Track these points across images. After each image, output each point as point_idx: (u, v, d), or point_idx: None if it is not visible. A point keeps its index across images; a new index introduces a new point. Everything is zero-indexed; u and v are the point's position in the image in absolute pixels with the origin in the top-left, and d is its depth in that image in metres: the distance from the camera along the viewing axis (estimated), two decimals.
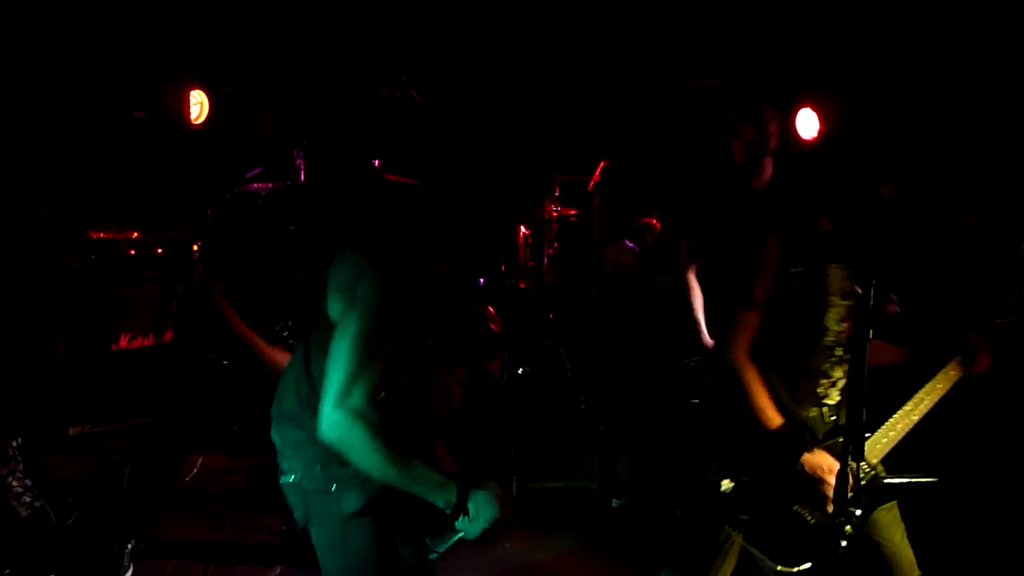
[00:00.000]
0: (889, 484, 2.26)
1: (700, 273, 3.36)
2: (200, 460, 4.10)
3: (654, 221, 6.01)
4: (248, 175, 3.29)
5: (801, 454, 2.21)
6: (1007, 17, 4.47)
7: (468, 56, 5.78)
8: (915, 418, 2.29)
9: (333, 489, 1.94)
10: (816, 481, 2.19)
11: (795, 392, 2.33)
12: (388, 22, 5.39)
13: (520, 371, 5.23)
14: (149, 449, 3.24)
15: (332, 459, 1.91)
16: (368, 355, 1.82)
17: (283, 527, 3.34)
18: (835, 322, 2.29)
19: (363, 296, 1.85)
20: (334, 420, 1.80)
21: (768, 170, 3.38)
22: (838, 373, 2.33)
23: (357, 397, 1.81)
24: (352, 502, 1.95)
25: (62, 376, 4.26)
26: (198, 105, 4.73)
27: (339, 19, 5.42)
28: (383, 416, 1.83)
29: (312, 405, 1.89)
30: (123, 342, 4.50)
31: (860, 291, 2.25)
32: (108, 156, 5.05)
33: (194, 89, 4.72)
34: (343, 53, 5.60)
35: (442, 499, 1.85)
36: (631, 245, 5.90)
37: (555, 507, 4.00)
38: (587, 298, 6.07)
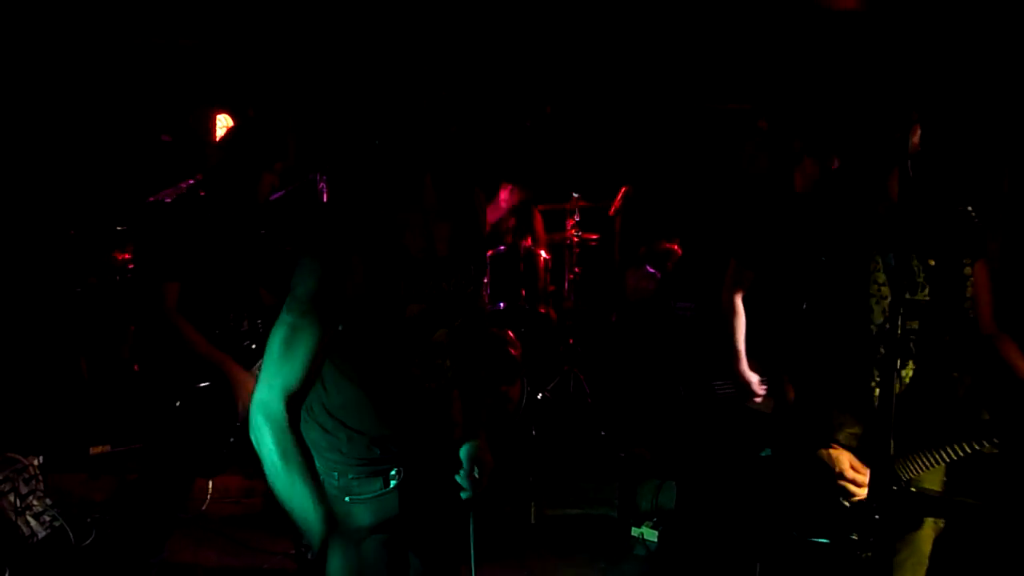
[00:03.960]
0: (921, 498, 2.17)
1: (747, 299, 3.24)
2: (210, 484, 4.08)
3: (675, 247, 5.98)
4: (272, 198, 3.28)
5: (821, 447, 2.19)
6: None
7: (491, 80, 5.82)
8: (960, 454, 2.15)
9: (347, 500, 1.87)
10: (832, 475, 2.17)
11: (838, 385, 2.25)
12: (411, 46, 5.45)
13: (539, 396, 5.20)
14: (146, 474, 3.19)
15: (348, 469, 1.87)
16: (286, 349, 1.69)
17: (302, 549, 3.31)
18: (881, 315, 2.19)
19: (293, 285, 1.72)
20: (250, 420, 1.70)
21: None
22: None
23: (266, 392, 1.68)
24: (364, 516, 1.88)
25: (84, 395, 4.29)
26: (224, 129, 4.81)
27: (363, 45, 5.48)
28: (296, 418, 1.72)
29: (311, 409, 1.88)
30: None
31: (927, 286, 2.18)
32: (135, 178, 5.13)
33: (220, 113, 4.80)
34: (366, 78, 5.66)
35: (310, 534, 1.69)
36: (652, 270, 5.87)
37: (574, 534, 3.95)
38: (607, 323, 6.03)
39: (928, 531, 2.26)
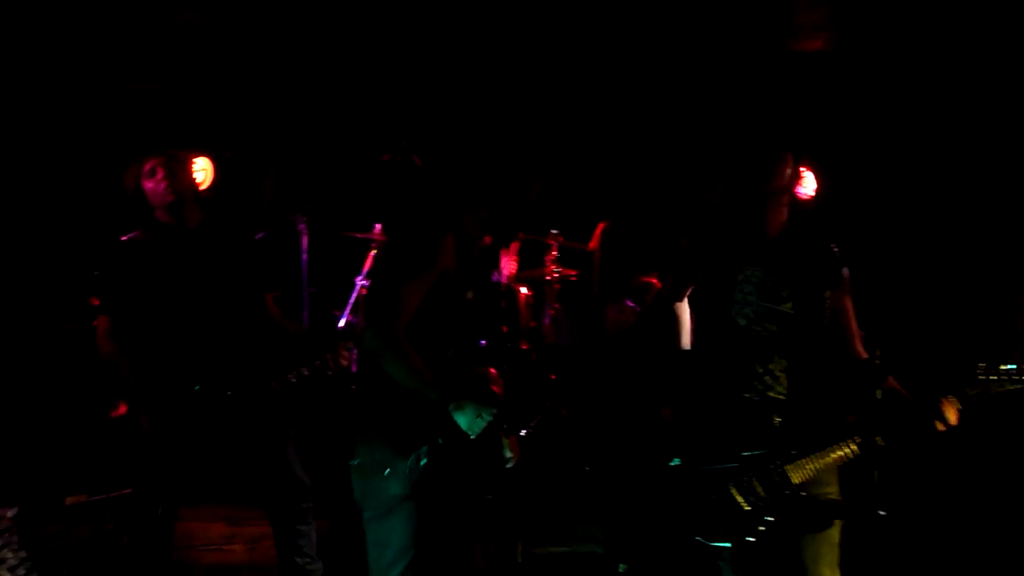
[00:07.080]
0: (813, 505, 2.40)
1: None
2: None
3: (654, 280, 6.03)
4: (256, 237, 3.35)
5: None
6: (1001, 73, 4.58)
7: (472, 121, 5.89)
8: (847, 453, 2.39)
9: (386, 473, 2.25)
10: None
11: (718, 381, 2.57)
12: (391, 87, 5.51)
13: (523, 433, 5.17)
14: (132, 520, 3.17)
15: (390, 445, 2.25)
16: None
17: None
18: (743, 317, 2.53)
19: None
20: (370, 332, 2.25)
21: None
22: (759, 368, 2.52)
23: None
24: (398, 487, 2.26)
25: (60, 444, 4.21)
26: (202, 172, 4.79)
27: (342, 85, 5.53)
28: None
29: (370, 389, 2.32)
30: (123, 409, 4.46)
31: (787, 298, 2.52)
32: (111, 222, 5.08)
33: (198, 156, 4.78)
34: (346, 119, 5.71)
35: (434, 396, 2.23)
36: (632, 304, 5.90)
37: (561, 572, 3.91)
38: (589, 359, 6.04)
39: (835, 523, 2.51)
